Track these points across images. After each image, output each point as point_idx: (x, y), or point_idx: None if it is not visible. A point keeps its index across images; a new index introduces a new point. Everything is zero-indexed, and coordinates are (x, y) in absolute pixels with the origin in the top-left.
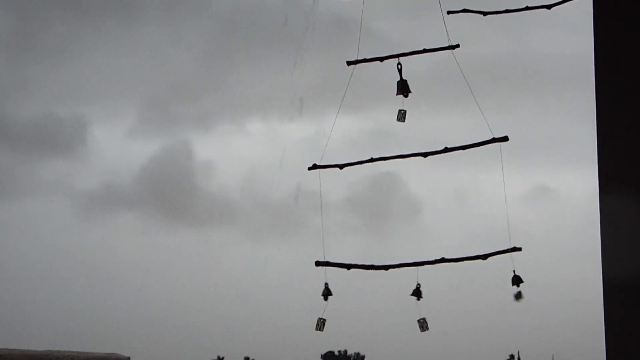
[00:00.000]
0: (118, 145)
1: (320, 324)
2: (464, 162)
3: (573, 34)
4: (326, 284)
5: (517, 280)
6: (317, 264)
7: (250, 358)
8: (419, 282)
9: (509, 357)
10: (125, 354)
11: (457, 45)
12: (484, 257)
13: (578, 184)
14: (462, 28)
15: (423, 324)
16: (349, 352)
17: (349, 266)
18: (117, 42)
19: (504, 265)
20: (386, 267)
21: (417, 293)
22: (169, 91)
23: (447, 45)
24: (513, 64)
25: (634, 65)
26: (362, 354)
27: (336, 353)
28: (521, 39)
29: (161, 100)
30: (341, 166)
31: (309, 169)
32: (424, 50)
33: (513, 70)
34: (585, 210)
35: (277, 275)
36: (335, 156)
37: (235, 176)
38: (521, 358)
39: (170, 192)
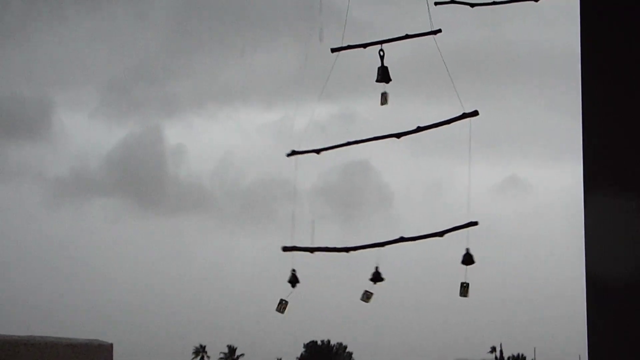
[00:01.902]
0: (85, 129)
1: (282, 306)
2: (439, 152)
3: (559, 26)
4: (293, 270)
5: (468, 260)
6: (285, 249)
7: (233, 347)
8: (377, 265)
9: (490, 350)
10: (108, 341)
11: (439, 31)
12: (441, 234)
13: (560, 177)
14: (449, 19)
15: (368, 295)
16: (332, 342)
17: (312, 249)
18: (77, 21)
19: (487, 255)
20: (347, 250)
21: (376, 277)
22: (136, 74)
23: (429, 30)
24: (499, 55)
25: (621, 59)
26: (344, 344)
27: (319, 343)
28: (507, 31)
29: (128, 83)
30: (318, 151)
31: (288, 155)
32: (407, 36)
33: (499, 61)
34: (567, 204)
35: (253, 264)
36: (312, 144)
37: (206, 163)
38: (503, 351)
39: (140, 179)
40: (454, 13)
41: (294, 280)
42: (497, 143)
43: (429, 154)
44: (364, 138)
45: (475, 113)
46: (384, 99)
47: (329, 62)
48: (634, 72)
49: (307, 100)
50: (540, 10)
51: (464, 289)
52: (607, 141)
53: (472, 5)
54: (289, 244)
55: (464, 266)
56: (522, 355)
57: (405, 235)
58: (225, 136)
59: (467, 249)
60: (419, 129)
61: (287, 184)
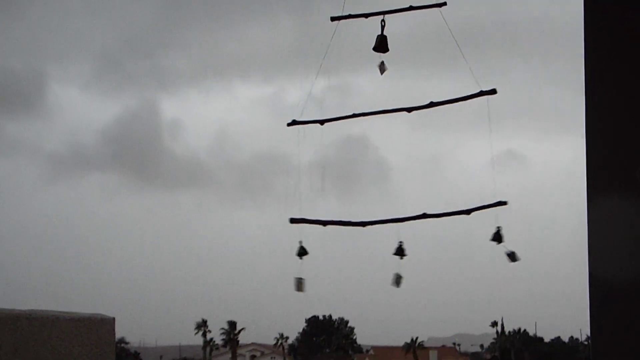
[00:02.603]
0: (81, 103)
1: (299, 284)
2: (438, 128)
3: (565, 4)
4: (300, 242)
5: (497, 238)
6: (292, 221)
7: (234, 322)
8: (401, 240)
9: (491, 324)
10: (111, 315)
11: (444, 3)
12: (468, 212)
13: (562, 151)
14: None
15: (398, 280)
16: (333, 317)
17: (325, 222)
18: None
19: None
20: (363, 224)
21: (399, 251)
22: (131, 47)
23: (433, 3)
24: (501, 30)
25: (624, 33)
26: (346, 319)
27: (321, 318)
28: (510, 4)
29: (122, 56)
30: (322, 122)
31: (288, 124)
32: (410, 8)
33: (501, 35)
34: (568, 180)
35: (253, 238)
36: (310, 117)
37: (203, 137)
38: (504, 325)
39: (136, 153)
40: None
41: (302, 253)
42: (500, 117)
43: (427, 129)
44: (370, 111)
45: (493, 91)
46: (382, 68)
47: (326, 35)
48: (637, 45)
49: (306, 72)
50: None
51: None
52: (610, 120)
53: None
54: (297, 216)
55: (491, 239)
56: (524, 329)
57: (428, 212)
58: (222, 110)
59: (499, 228)
60: (432, 105)
61: (284, 158)
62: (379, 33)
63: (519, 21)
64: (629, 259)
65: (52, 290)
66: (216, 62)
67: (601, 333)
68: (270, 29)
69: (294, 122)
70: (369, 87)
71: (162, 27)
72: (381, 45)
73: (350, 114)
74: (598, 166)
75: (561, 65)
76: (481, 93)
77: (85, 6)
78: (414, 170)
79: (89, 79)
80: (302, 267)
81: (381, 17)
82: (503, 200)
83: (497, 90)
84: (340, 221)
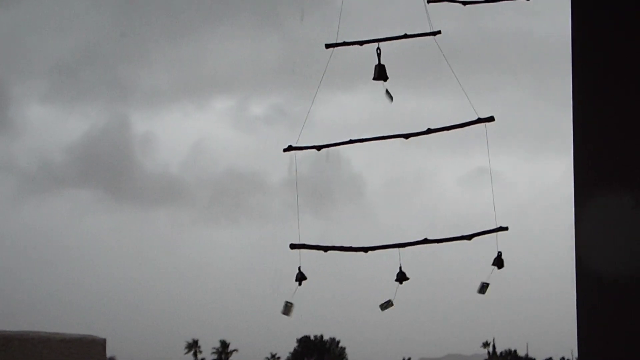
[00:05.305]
0: (46, 119)
1: (288, 308)
2: (416, 145)
3: (549, 16)
4: (299, 268)
5: (498, 263)
6: (292, 246)
7: (226, 342)
8: (400, 265)
9: (483, 345)
10: (98, 334)
11: (439, 32)
12: (469, 237)
13: (549, 169)
14: (435, 10)
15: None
16: (324, 337)
17: (326, 248)
18: (35, 5)
19: (482, 251)
20: (366, 249)
21: (400, 277)
22: (98, 61)
23: (428, 31)
24: (490, 50)
25: (612, 52)
26: (337, 339)
27: (312, 338)
28: (496, 23)
29: (88, 70)
30: (319, 147)
31: (284, 150)
32: (405, 36)
33: (490, 55)
34: (557, 198)
35: (233, 257)
36: (309, 138)
37: (174, 153)
38: (496, 345)
39: (106, 169)
40: (443, 6)
41: (301, 278)
42: (483, 135)
43: (404, 147)
44: (367, 137)
45: (490, 119)
46: (388, 95)
47: (301, 52)
48: (626, 62)
49: (280, 90)
50: (533, 4)
51: (484, 288)
52: (598, 134)
53: (465, 3)
54: (296, 241)
55: (494, 267)
56: (515, 350)
57: (430, 237)
58: (193, 125)
59: (500, 252)
60: (429, 131)
61: (256, 176)
62: (377, 62)
63: (506, 38)
64: (617, 255)
65: (35, 309)
66: (187, 76)
67: (588, 331)
68: (245, 43)
69: (290, 148)
70: (361, 109)
71: (127, 39)
72: (380, 75)
73: (347, 140)
74: (586, 182)
75: (549, 82)
76: (479, 120)
77: (46, 19)
78: (395, 190)
79: (53, 94)
80: (292, 286)
81: (376, 44)
82: (504, 225)
83: (491, 113)
84: (341, 247)
